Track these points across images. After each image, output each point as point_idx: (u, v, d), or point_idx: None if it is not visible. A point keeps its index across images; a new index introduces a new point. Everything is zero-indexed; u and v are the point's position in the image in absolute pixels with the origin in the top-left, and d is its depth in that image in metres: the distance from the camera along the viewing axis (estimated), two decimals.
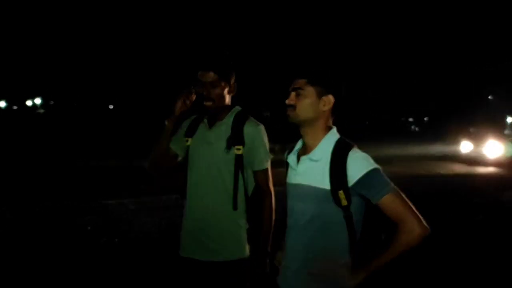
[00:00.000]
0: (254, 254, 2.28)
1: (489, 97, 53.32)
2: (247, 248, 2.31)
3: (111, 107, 45.33)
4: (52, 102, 51.48)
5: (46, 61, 43.91)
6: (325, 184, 1.77)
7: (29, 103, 52.70)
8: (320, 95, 1.82)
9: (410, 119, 50.71)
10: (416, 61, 46.51)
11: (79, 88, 42.98)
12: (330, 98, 1.82)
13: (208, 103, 2.28)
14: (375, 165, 1.76)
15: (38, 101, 53.43)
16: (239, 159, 2.27)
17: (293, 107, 1.83)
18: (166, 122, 2.36)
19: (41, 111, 50.06)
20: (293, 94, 1.84)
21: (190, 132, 2.41)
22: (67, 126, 31.47)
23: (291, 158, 1.93)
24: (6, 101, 50.33)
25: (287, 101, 1.83)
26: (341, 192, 1.73)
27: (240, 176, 2.29)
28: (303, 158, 1.87)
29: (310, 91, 1.82)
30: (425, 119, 49.66)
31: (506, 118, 51.32)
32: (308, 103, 1.82)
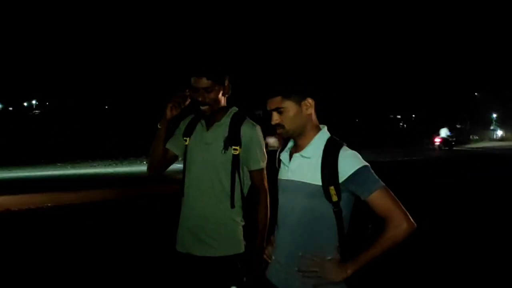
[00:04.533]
0: (250, 251, 2.34)
1: (475, 94, 54.32)
2: (243, 244, 2.36)
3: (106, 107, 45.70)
4: (47, 103, 51.75)
5: (41, 63, 44.25)
6: (317, 180, 1.81)
7: (24, 104, 52.92)
8: (299, 102, 1.85)
9: (398, 116, 51.35)
10: (405, 60, 47.26)
11: (75, 88, 43.34)
12: (309, 101, 1.86)
13: (204, 108, 2.30)
14: (365, 163, 1.80)
15: (34, 102, 53.75)
16: (236, 159, 2.32)
17: (281, 126, 1.87)
18: (159, 126, 2.39)
19: (37, 112, 50.37)
20: (275, 113, 1.86)
21: (188, 132, 2.44)
22: (63, 127, 31.74)
23: (284, 156, 1.97)
24: (2, 103, 50.58)
25: (273, 123, 1.87)
26: (332, 188, 1.77)
27: (237, 175, 2.33)
28: (295, 155, 1.91)
29: (289, 104, 1.84)
30: (413, 116, 50.27)
31: (491, 114, 52.31)
32: (292, 116, 1.85)
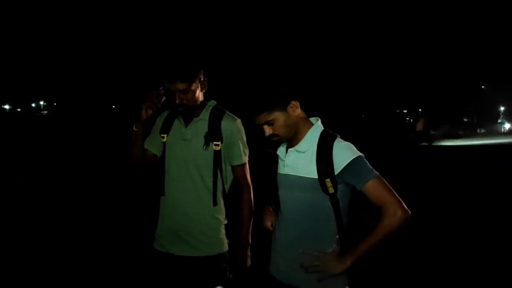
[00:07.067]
0: (235, 248, 2.29)
1: (482, 86, 53.90)
2: (226, 243, 2.30)
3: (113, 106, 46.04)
4: (55, 104, 52.21)
5: (49, 64, 44.62)
6: (313, 173, 1.84)
7: (32, 105, 53.39)
8: (285, 109, 1.88)
9: (405, 111, 51.06)
10: (410, 54, 47.06)
11: (82, 88, 43.68)
12: (293, 103, 1.89)
13: (182, 109, 2.22)
14: (359, 153, 1.83)
15: (41, 103, 54.23)
16: (217, 155, 2.27)
17: (275, 135, 1.90)
18: (135, 128, 2.31)
19: (45, 112, 50.81)
20: (265, 127, 1.90)
21: (165, 129, 2.35)
22: (71, 127, 31.88)
23: (280, 150, 2.00)
24: (10, 104, 51.07)
25: (267, 135, 1.91)
26: (328, 180, 1.80)
27: (218, 171, 2.28)
28: (290, 150, 1.94)
29: (275, 115, 1.87)
30: (420, 110, 50.08)
31: (499, 107, 51.97)
32: (282, 123, 1.88)
